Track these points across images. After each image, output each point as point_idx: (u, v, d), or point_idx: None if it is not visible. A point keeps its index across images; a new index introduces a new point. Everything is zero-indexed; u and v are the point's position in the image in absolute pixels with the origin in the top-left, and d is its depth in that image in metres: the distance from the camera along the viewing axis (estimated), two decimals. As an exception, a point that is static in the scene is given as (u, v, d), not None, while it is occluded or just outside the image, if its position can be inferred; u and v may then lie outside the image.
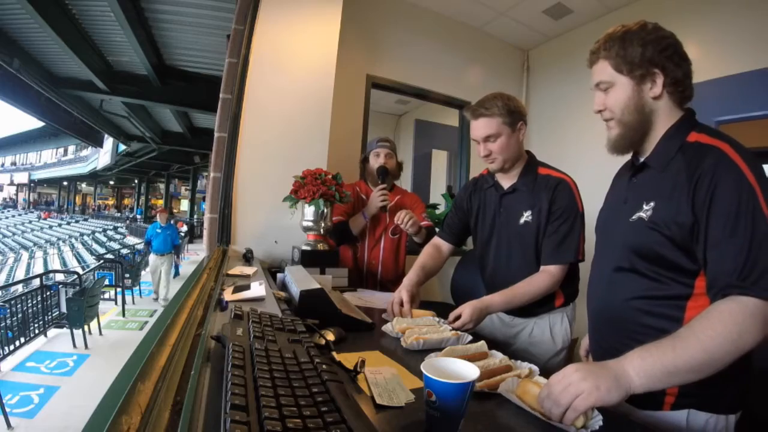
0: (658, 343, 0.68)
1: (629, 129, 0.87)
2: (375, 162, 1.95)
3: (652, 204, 0.82)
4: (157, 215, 6.99)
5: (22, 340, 4.26)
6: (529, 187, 1.32)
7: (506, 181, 1.38)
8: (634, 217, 0.85)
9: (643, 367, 0.65)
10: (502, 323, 1.44)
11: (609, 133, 0.91)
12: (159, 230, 6.61)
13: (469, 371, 0.59)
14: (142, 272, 7.86)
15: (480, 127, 1.30)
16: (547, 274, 1.26)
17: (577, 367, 0.66)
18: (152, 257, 6.60)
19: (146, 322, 5.52)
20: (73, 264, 11.96)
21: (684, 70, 0.84)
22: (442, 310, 1.25)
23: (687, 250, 0.78)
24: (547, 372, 0.80)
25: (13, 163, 33.57)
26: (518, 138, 1.32)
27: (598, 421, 0.64)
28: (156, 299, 6.66)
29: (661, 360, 0.65)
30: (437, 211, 3.20)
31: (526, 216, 1.31)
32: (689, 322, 0.70)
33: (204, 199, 5.84)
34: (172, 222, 7.07)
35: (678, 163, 0.80)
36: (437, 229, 1.76)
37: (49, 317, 4.79)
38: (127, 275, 6.54)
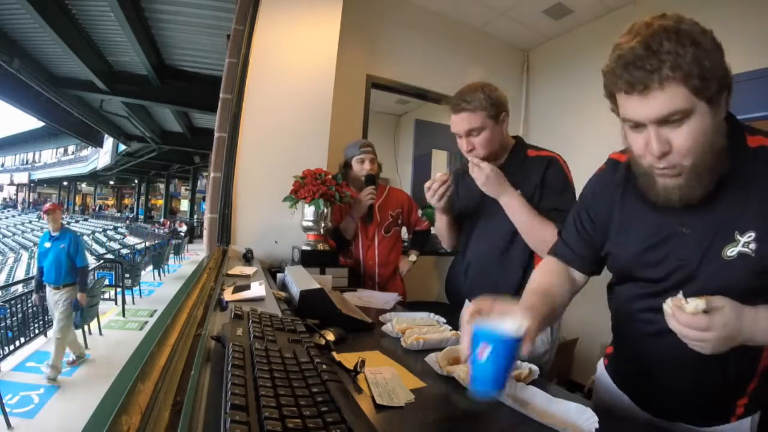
0: None
1: (707, 171, 0.65)
2: (360, 168, 1.94)
3: (752, 235, 0.66)
4: (47, 218, 3.75)
5: (22, 340, 4.26)
6: (517, 168, 1.26)
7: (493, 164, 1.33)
8: (731, 254, 0.67)
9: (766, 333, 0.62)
10: None
11: (666, 181, 0.69)
12: (48, 244, 3.70)
13: (514, 326, 0.62)
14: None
15: (462, 121, 1.22)
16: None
17: (725, 324, 0.60)
18: (47, 292, 3.74)
19: (146, 322, 5.51)
20: (73, 264, 11.94)
21: (730, 72, 0.67)
22: (438, 310, 1.25)
23: None
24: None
25: (23, 161, 33.52)
26: (502, 130, 1.26)
27: (593, 423, 0.63)
28: (50, 378, 3.48)
29: None
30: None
31: None
32: None
33: (204, 199, 5.80)
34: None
35: (759, 177, 0.66)
36: (432, 230, 1.74)
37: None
38: (127, 275, 6.50)
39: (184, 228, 16.34)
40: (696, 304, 0.60)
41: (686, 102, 0.61)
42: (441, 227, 1.43)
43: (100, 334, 4.82)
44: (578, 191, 1.33)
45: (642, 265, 0.78)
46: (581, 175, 1.55)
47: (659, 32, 0.61)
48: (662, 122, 0.64)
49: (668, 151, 0.65)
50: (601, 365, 0.99)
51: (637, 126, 0.67)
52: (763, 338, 0.63)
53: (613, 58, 0.65)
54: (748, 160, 0.67)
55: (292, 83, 2.09)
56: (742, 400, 0.76)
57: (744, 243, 0.66)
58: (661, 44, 0.60)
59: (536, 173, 1.24)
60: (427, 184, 1.27)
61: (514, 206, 1.19)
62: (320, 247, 1.74)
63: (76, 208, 30.57)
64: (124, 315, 5.71)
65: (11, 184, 33.62)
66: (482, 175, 1.17)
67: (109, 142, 16.34)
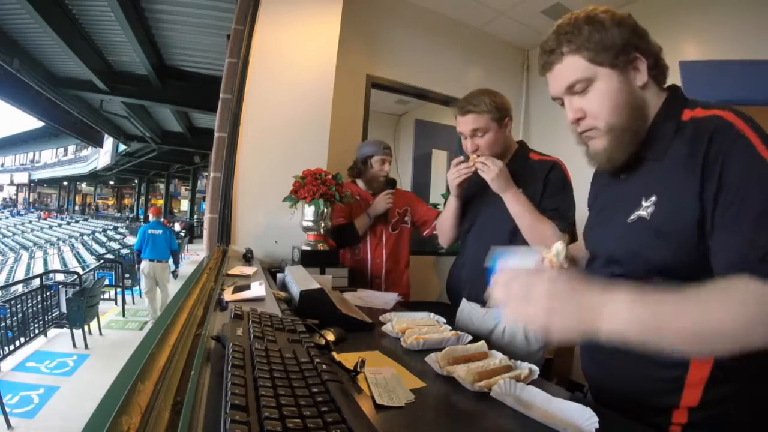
0: (659, 296, 0.54)
1: (624, 132, 0.70)
2: (380, 168, 1.97)
3: (653, 199, 0.68)
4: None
5: (22, 340, 4.25)
6: (519, 170, 1.32)
7: None
8: (632, 218, 0.70)
9: (627, 318, 0.52)
10: (476, 317, 1.43)
11: (593, 144, 0.73)
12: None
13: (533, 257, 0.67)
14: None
15: (468, 122, 1.31)
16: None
17: (552, 281, 0.55)
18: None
19: (146, 322, 5.51)
20: (73, 264, 11.95)
21: (657, 47, 0.73)
22: (439, 310, 1.25)
23: (697, 254, 0.62)
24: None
25: (29, 161, 33.48)
26: (505, 133, 1.36)
27: (593, 423, 0.63)
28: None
29: (653, 315, 0.53)
30: (437, 211, 3.21)
31: None
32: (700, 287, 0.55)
33: (204, 199, 5.79)
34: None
35: (676, 146, 0.68)
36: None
37: (49, 317, 4.79)
38: (127, 275, 6.50)
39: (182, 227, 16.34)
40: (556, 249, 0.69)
41: (585, 71, 0.70)
42: (448, 215, 1.48)
43: (100, 334, 4.82)
44: (580, 191, 1.35)
45: (586, 239, 0.88)
46: (582, 173, 1.56)
47: (566, 20, 0.73)
48: (570, 92, 0.72)
49: (582, 117, 0.72)
50: None
51: (557, 100, 0.76)
52: (618, 327, 0.53)
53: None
54: (676, 132, 0.69)
55: (292, 83, 2.09)
56: (679, 414, 0.68)
57: (644, 207, 0.69)
58: (562, 29, 0.72)
59: (538, 177, 1.30)
60: (455, 161, 1.33)
61: (517, 203, 1.25)
62: (320, 247, 1.74)
63: (76, 208, 30.57)
64: (124, 315, 5.72)
65: (11, 184, 33.63)
66: (495, 168, 1.23)
67: (109, 142, 16.32)
